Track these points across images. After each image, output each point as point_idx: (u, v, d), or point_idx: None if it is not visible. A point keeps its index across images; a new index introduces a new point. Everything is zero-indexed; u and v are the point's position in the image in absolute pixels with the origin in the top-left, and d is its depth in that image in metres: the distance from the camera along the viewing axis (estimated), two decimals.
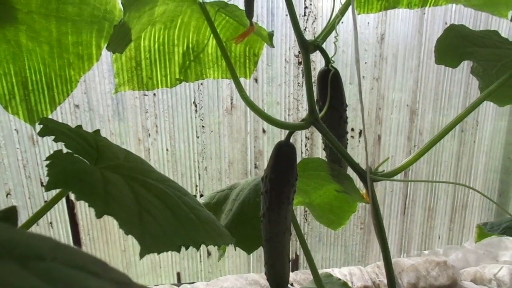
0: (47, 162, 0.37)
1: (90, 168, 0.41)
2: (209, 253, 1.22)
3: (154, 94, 1.06)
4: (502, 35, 0.68)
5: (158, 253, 0.35)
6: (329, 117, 0.73)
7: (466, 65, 1.28)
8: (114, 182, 0.40)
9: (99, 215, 0.33)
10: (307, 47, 0.68)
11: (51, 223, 1.12)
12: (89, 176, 0.38)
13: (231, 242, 0.50)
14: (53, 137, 0.45)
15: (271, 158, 0.71)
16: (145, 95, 1.06)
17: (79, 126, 0.53)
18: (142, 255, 0.33)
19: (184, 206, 0.46)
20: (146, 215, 0.38)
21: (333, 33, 0.70)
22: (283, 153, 0.70)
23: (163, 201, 0.43)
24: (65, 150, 0.43)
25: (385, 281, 0.65)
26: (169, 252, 1.23)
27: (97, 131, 0.57)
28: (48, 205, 0.45)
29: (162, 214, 0.40)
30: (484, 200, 1.47)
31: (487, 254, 1.29)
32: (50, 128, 0.47)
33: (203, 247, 1.27)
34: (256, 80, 1.11)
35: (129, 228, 0.34)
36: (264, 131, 1.15)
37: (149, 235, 0.35)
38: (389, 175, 0.65)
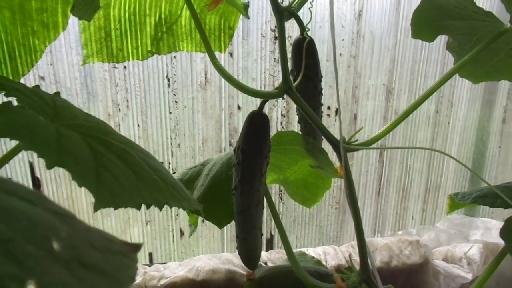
0: None
1: (43, 122, 0.38)
2: (182, 233, 1.20)
3: (125, 67, 1.02)
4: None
5: (115, 208, 0.32)
6: (304, 88, 0.72)
7: (442, 45, 1.28)
8: (69, 137, 0.37)
9: (49, 166, 0.31)
10: (281, 13, 0.66)
11: None
12: (41, 128, 0.35)
13: (198, 207, 0.48)
14: (9, 95, 0.42)
15: (244, 128, 0.69)
16: (115, 67, 1.02)
17: (37, 86, 0.50)
18: (96, 208, 0.31)
19: (147, 168, 0.43)
20: (104, 172, 0.35)
21: (309, 0, 0.69)
22: (256, 123, 0.68)
23: (124, 160, 0.40)
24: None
25: (358, 259, 0.64)
26: (141, 232, 1.20)
27: (57, 93, 0.53)
28: (1, 161, 0.42)
29: (122, 173, 0.38)
30: (457, 182, 1.49)
31: (459, 233, 1.31)
32: (1, 84, 0.44)
33: (176, 226, 1.24)
34: (231, 54, 1.08)
35: (84, 181, 0.32)
36: (239, 107, 1.12)
37: (106, 190, 0.33)
38: (364, 145, 0.64)
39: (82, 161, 0.34)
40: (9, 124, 0.32)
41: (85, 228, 0.20)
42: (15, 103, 0.38)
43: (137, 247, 0.22)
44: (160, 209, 0.39)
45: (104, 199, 0.32)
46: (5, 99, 0.39)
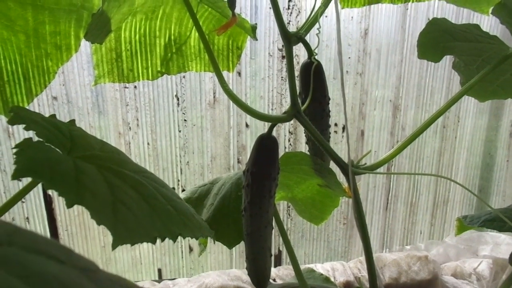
0: (15, 150, 0.36)
1: (62, 157, 0.39)
2: (191, 249, 1.21)
3: (135, 87, 1.04)
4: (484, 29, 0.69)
5: (132, 244, 0.34)
6: (312, 110, 0.73)
7: (448, 61, 1.29)
8: (87, 171, 0.38)
9: (69, 205, 0.32)
10: (289, 38, 0.68)
11: (27, 218, 1.09)
12: (60, 165, 0.36)
13: (209, 234, 0.49)
14: (28, 129, 0.43)
15: (253, 151, 0.70)
16: (125, 87, 1.03)
17: (53, 116, 0.51)
18: (114, 246, 0.32)
19: (161, 197, 0.44)
20: (120, 206, 0.36)
21: (316, 26, 0.70)
22: (265, 146, 0.69)
23: (138, 192, 0.41)
24: (36, 139, 0.41)
25: (367, 276, 0.65)
26: (150, 248, 1.21)
27: (72, 121, 0.55)
28: (19, 195, 0.43)
29: (137, 205, 0.39)
30: (465, 196, 1.49)
31: (468, 248, 1.31)
32: (21, 116, 0.45)
33: (184, 242, 1.26)
34: (239, 73, 1.09)
35: (101, 218, 0.33)
36: (247, 125, 1.14)
37: (122, 226, 0.34)
38: (371, 168, 0.65)
39: (99, 196, 0.35)
40: (31, 162, 0.33)
41: (109, 280, 0.22)
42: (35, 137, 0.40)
43: None
44: (174, 241, 0.40)
45: (121, 236, 0.33)
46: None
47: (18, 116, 0.45)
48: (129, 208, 0.37)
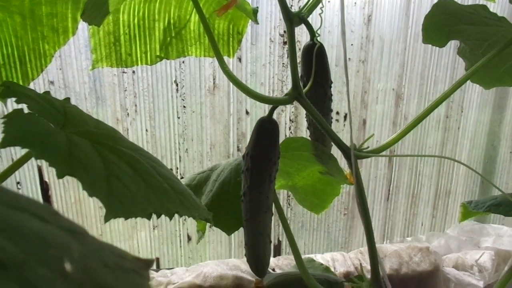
0: (5, 119, 0.34)
1: (54, 130, 0.37)
2: (189, 238, 1.20)
3: (134, 72, 1.02)
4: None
5: (126, 218, 0.32)
6: (313, 94, 0.71)
7: (452, 50, 1.27)
8: (80, 145, 0.37)
9: (60, 175, 0.30)
10: (291, 19, 0.66)
11: None
12: (52, 137, 0.34)
13: (207, 215, 0.47)
14: (20, 102, 0.42)
15: (253, 135, 0.68)
16: (124, 72, 1.02)
17: (47, 92, 0.50)
18: (107, 219, 0.31)
19: (157, 175, 0.43)
20: (114, 180, 0.35)
21: (320, 6, 0.68)
22: (265, 129, 0.68)
23: (134, 168, 0.39)
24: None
25: (368, 267, 0.63)
26: (148, 238, 1.20)
27: (67, 99, 0.53)
28: (13, 167, 0.42)
29: (132, 181, 0.37)
30: (467, 188, 1.47)
31: (469, 240, 1.29)
32: (12, 90, 0.44)
33: (182, 232, 1.24)
34: (239, 59, 1.08)
35: (94, 190, 0.31)
36: (247, 112, 1.12)
37: (116, 199, 0.32)
38: (374, 152, 0.63)
39: (92, 170, 0.34)
40: (20, 132, 0.31)
41: (98, 245, 0.20)
42: (26, 110, 0.38)
43: (149, 263, 0.22)
44: (170, 218, 0.38)
45: (115, 209, 0.31)
46: (15, 105, 0.39)
47: (9, 89, 0.44)
48: (123, 183, 0.35)
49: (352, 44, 1.15)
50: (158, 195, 0.39)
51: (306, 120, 0.78)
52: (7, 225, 0.15)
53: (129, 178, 0.37)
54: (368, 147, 0.63)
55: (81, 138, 0.39)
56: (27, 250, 0.14)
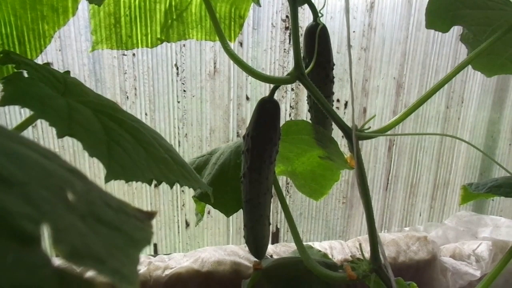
0: (4, 80, 0.34)
1: (53, 94, 0.37)
2: (187, 224, 1.20)
3: (134, 55, 1.01)
4: None
5: (127, 181, 0.32)
6: (316, 75, 0.71)
7: (454, 39, 1.26)
8: (80, 110, 0.36)
9: (60, 135, 0.30)
10: None
11: None
12: (52, 100, 0.34)
13: (207, 189, 0.47)
14: (19, 69, 0.41)
15: (253, 115, 0.68)
16: (124, 55, 1.01)
17: (47, 63, 0.49)
18: (107, 180, 0.30)
19: (158, 146, 0.42)
20: (115, 146, 0.34)
21: None
22: (266, 109, 0.67)
23: (135, 137, 0.39)
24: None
25: (366, 254, 0.63)
26: None
27: (67, 71, 0.53)
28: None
29: (133, 148, 0.37)
30: (466, 178, 1.47)
31: (467, 231, 1.30)
32: (12, 58, 0.43)
33: (181, 217, 1.23)
34: (241, 44, 1.07)
35: (94, 151, 0.31)
36: (247, 98, 1.11)
37: (117, 163, 0.32)
38: (375, 133, 0.63)
39: (93, 134, 0.33)
40: (20, 93, 0.31)
41: (99, 189, 0.20)
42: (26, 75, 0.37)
43: (151, 215, 0.21)
44: (171, 187, 0.38)
45: (115, 171, 0.31)
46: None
47: (8, 57, 0.43)
48: (124, 149, 0.35)
49: (354, 31, 1.14)
50: (158, 164, 0.38)
51: (308, 103, 0.77)
52: (14, 152, 0.15)
53: (130, 145, 0.37)
54: (370, 127, 0.63)
55: (81, 105, 0.38)
56: (30, 175, 0.13)
